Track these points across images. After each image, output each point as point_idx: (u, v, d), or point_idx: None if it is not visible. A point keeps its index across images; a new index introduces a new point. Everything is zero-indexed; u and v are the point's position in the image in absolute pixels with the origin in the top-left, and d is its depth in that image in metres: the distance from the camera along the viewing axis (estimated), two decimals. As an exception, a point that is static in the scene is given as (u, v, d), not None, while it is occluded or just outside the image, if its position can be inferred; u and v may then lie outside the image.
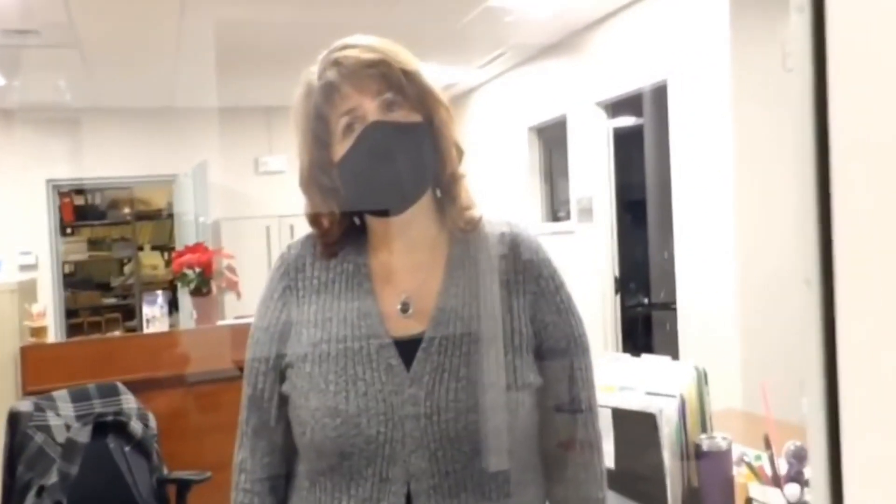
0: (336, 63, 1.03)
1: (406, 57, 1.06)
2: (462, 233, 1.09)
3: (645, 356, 1.74)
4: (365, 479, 1.00)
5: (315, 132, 1.05)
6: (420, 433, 0.99)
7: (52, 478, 2.38)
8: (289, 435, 1.07)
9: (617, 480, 1.53)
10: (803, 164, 0.43)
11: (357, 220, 1.11)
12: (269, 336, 1.08)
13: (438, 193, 1.10)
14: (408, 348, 1.03)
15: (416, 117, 1.04)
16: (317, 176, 1.06)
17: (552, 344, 1.08)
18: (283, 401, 1.06)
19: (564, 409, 1.09)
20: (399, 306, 1.06)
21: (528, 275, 1.08)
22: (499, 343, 1.04)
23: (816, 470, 0.44)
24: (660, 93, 4.13)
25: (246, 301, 3.93)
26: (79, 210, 7.97)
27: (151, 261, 8.20)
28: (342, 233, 1.09)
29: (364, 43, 1.05)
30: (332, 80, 1.03)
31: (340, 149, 1.03)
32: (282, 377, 1.07)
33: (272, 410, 1.07)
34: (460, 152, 1.10)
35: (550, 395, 1.08)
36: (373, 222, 1.09)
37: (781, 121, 3.30)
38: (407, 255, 1.09)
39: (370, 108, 1.02)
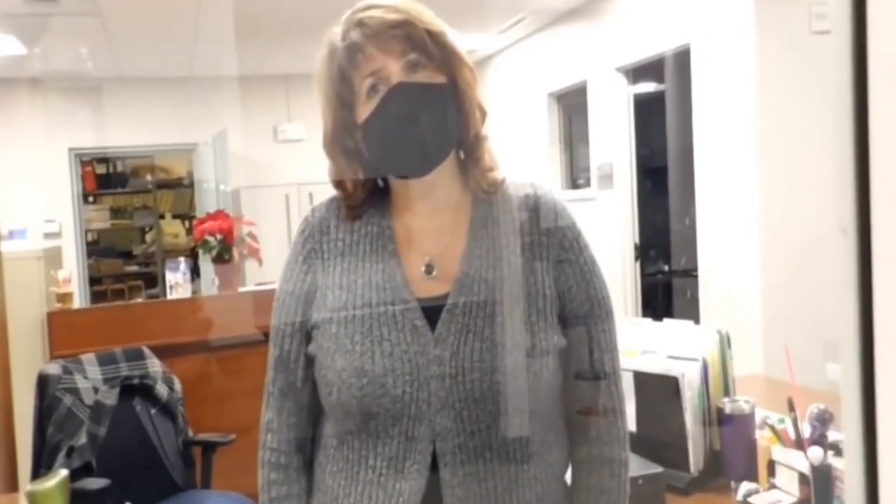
0: (360, 24, 1.03)
1: (430, 17, 1.05)
2: (485, 194, 1.09)
3: (667, 321, 1.74)
4: (391, 437, 1.01)
5: (339, 94, 1.05)
6: (445, 393, 1.00)
7: (81, 439, 2.43)
8: (315, 396, 1.08)
9: (639, 444, 1.54)
10: (841, 108, 0.42)
11: (381, 183, 1.11)
12: (294, 298, 1.09)
13: (462, 155, 1.10)
14: (432, 310, 1.03)
15: (440, 78, 1.03)
16: (341, 138, 1.06)
17: (575, 307, 1.08)
18: (310, 362, 1.08)
19: (587, 371, 1.10)
20: (423, 268, 1.06)
21: (551, 237, 1.08)
22: (522, 305, 1.04)
23: (850, 430, 0.43)
24: (682, 58, 4.06)
25: (267, 268, 3.97)
26: (101, 178, 8.03)
27: (172, 229, 8.27)
28: (366, 195, 1.09)
29: (388, 3, 1.04)
30: (356, 41, 1.02)
31: (364, 110, 1.03)
32: (308, 338, 1.08)
33: (298, 371, 1.09)
34: (483, 114, 1.09)
35: (574, 358, 1.08)
36: (396, 184, 1.09)
37: (808, 86, 3.24)
38: (431, 217, 1.09)
39: (395, 70, 1.01)
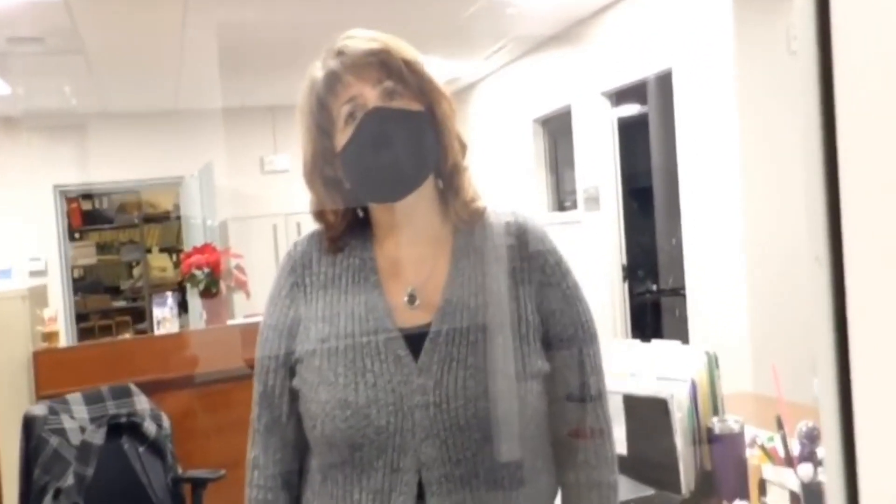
0: (338, 53, 1.05)
1: (408, 49, 1.07)
2: (466, 224, 1.09)
3: (655, 341, 1.74)
4: (376, 469, 1.00)
5: (318, 122, 1.06)
6: (430, 422, 0.99)
7: (69, 480, 2.39)
8: (300, 430, 1.07)
9: (630, 466, 1.54)
10: (810, 140, 0.43)
11: (361, 213, 1.11)
12: (277, 333, 1.09)
13: (441, 185, 1.10)
14: (415, 339, 1.03)
15: (417, 106, 1.05)
16: (320, 167, 1.07)
17: (559, 331, 1.08)
18: (294, 396, 1.07)
19: (573, 395, 1.10)
20: (406, 298, 1.07)
21: (534, 263, 1.09)
22: (506, 331, 1.04)
23: (830, 450, 0.43)
24: (664, 80, 4.11)
25: (255, 300, 3.95)
26: (87, 215, 8.00)
27: (160, 263, 8.24)
28: (347, 226, 1.10)
29: (366, 34, 1.06)
30: (334, 69, 1.04)
31: (342, 137, 1.04)
32: (292, 373, 1.08)
33: (283, 406, 1.08)
34: (463, 146, 1.10)
35: (559, 382, 1.08)
36: (377, 213, 1.10)
37: (787, 105, 3.28)
38: (412, 248, 1.09)
39: (371, 96, 1.02)
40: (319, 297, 1.08)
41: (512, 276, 1.07)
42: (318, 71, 1.06)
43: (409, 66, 1.04)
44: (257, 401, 1.11)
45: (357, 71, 1.03)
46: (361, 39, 1.05)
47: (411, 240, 1.09)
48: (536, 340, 1.06)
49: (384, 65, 1.03)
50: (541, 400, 1.05)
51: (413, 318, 1.05)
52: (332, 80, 1.04)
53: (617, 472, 1.13)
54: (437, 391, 1.00)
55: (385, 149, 1.03)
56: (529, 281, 1.08)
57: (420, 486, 1.00)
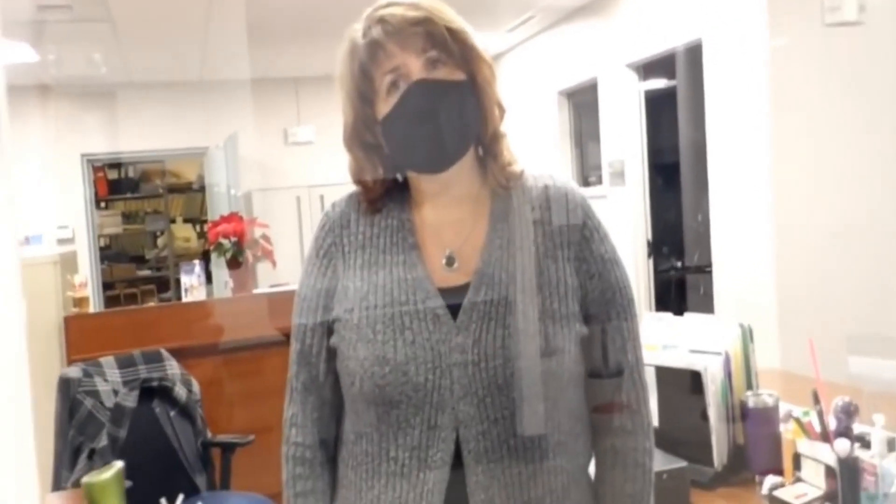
0: (381, 20, 1.04)
1: (450, 15, 1.05)
2: (504, 188, 1.09)
3: (688, 314, 1.74)
4: (413, 427, 1.01)
5: (359, 90, 1.06)
6: (468, 380, 1.00)
7: (102, 441, 2.44)
8: (338, 390, 1.08)
9: (662, 439, 1.54)
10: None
11: (400, 177, 1.12)
12: (315, 292, 1.10)
13: (480, 151, 1.10)
14: (454, 299, 1.03)
15: (459, 75, 1.04)
16: (361, 133, 1.07)
17: (597, 295, 1.08)
18: (332, 355, 1.08)
19: (610, 360, 1.10)
20: (444, 260, 1.07)
21: (573, 226, 1.08)
22: (544, 293, 1.04)
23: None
24: (694, 53, 4.05)
25: (279, 269, 3.98)
26: (112, 184, 8.07)
27: (184, 233, 8.31)
28: (385, 189, 1.10)
29: (409, 1, 1.05)
30: (377, 38, 1.03)
31: (384, 106, 1.04)
32: (329, 332, 1.08)
33: (321, 365, 1.09)
34: (502, 111, 1.10)
35: (596, 347, 1.08)
36: (415, 179, 1.10)
37: (822, 79, 3.23)
38: (450, 211, 1.09)
39: (414, 66, 1.02)
40: (357, 257, 1.08)
41: (550, 239, 1.07)
42: (359, 37, 1.05)
43: (452, 34, 1.03)
44: (295, 359, 1.11)
45: (400, 40, 1.02)
46: (404, 6, 1.04)
47: (449, 203, 1.09)
48: (574, 303, 1.05)
49: (428, 34, 1.02)
50: (578, 363, 1.05)
51: (451, 280, 1.05)
52: (375, 49, 1.03)
53: (653, 440, 1.12)
54: (476, 350, 1.00)
55: (428, 122, 1.03)
56: (568, 244, 1.07)
57: (457, 444, 1.00)
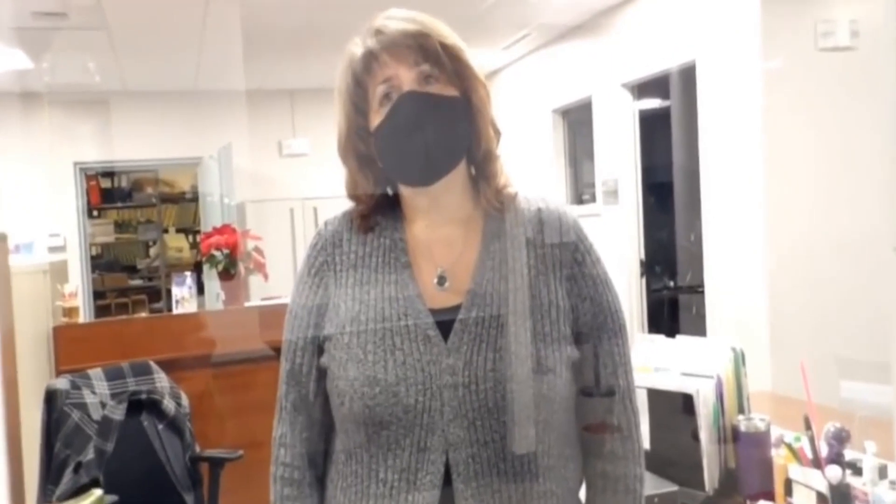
0: (377, 32, 1.05)
1: (446, 32, 1.06)
2: (497, 210, 1.09)
3: (680, 337, 1.74)
4: (403, 449, 1.00)
5: (353, 99, 1.07)
6: (458, 402, 0.99)
7: (89, 454, 2.42)
8: (327, 410, 1.08)
9: (653, 462, 1.53)
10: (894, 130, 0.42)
11: (390, 191, 1.12)
12: (306, 311, 1.09)
13: (473, 171, 1.10)
14: (445, 320, 1.03)
15: (452, 91, 1.04)
16: (354, 143, 1.08)
17: (589, 319, 1.08)
18: (322, 375, 1.08)
19: (601, 384, 1.09)
20: (435, 280, 1.07)
21: (564, 249, 1.08)
22: (536, 315, 1.04)
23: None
24: (688, 73, 4.08)
25: (271, 282, 3.97)
26: (105, 192, 8.05)
27: (176, 243, 8.28)
28: (377, 204, 1.10)
29: (405, 14, 1.06)
30: (372, 49, 1.04)
31: (376, 117, 1.05)
32: (320, 351, 1.08)
33: (311, 384, 1.08)
34: (497, 132, 1.10)
35: (587, 371, 1.08)
36: (408, 195, 1.10)
37: (815, 102, 3.25)
38: (442, 230, 1.09)
39: (407, 79, 1.03)
40: (349, 276, 1.08)
41: (542, 261, 1.07)
42: (356, 48, 1.06)
43: (447, 50, 1.04)
44: (284, 378, 1.11)
45: (394, 52, 1.03)
46: (400, 20, 1.05)
47: (442, 222, 1.09)
48: (566, 327, 1.05)
49: (422, 48, 1.03)
50: (569, 387, 1.05)
51: (443, 300, 1.05)
52: (369, 59, 1.04)
53: (643, 465, 1.12)
54: (467, 372, 1.00)
55: (417, 134, 1.03)
56: (560, 267, 1.07)
57: (447, 466, 1.00)
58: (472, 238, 1.08)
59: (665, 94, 4.75)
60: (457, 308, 1.04)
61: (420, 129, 1.03)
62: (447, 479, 1.00)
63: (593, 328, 1.08)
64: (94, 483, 2.32)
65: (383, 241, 1.09)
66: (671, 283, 4.89)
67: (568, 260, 1.08)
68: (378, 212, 1.10)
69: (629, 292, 4.57)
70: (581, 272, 1.08)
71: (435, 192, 1.06)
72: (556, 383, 1.03)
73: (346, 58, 1.08)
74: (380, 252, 1.09)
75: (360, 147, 1.07)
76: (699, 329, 3.96)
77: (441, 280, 1.06)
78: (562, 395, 1.04)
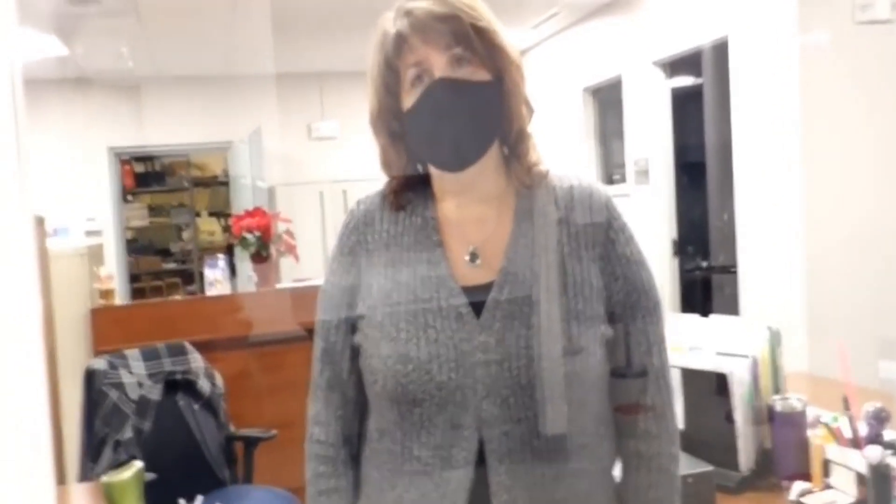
0: (408, 13, 1.03)
1: (479, 13, 1.04)
2: (529, 187, 1.08)
3: (714, 316, 1.72)
4: (436, 426, 1.01)
5: (385, 80, 1.06)
6: (491, 380, 0.99)
7: (127, 433, 2.47)
8: (361, 388, 1.08)
9: (687, 442, 1.52)
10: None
11: (421, 168, 1.11)
12: (339, 290, 1.10)
13: (506, 150, 1.09)
14: (477, 297, 1.03)
15: (484, 75, 1.03)
16: (386, 120, 1.08)
17: (622, 298, 1.06)
18: (355, 353, 1.08)
19: (635, 363, 1.08)
20: (467, 257, 1.06)
21: (597, 227, 1.07)
22: (568, 293, 1.03)
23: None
24: (720, 50, 4.00)
25: (302, 265, 4.00)
26: (139, 177, 8.15)
27: (208, 227, 8.37)
28: (409, 181, 1.10)
29: None
30: (402, 31, 1.03)
31: (408, 99, 1.04)
32: (353, 329, 1.08)
33: (344, 363, 1.09)
34: (530, 111, 1.09)
35: (621, 349, 1.07)
36: (438, 176, 1.10)
37: (852, 76, 3.17)
38: (474, 207, 1.09)
39: (438, 63, 1.01)
40: (382, 254, 1.08)
41: (575, 239, 1.06)
42: (388, 26, 1.05)
43: (479, 32, 1.02)
44: (319, 357, 1.11)
45: (424, 35, 1.02)
46: (431, 1, 1.03)
47: (473, 200, 1.09)
48: (599, 304, 1.04)
49: (453, 32, 1.01)
50: (603, 365, 1.04)
51: (475, 277, 1.05)
52: (400, 42, 1.03)
53: (678, 444, 1.11)
54: (500, 349, 1.00)
55: (448, 121, 1.02)
56: (593, 245, 1.06)
57: (480, 443, 1.00)
58: (504, 216, 1.08)
59: (697, 72, 4.67)
60: (489, 286, 1.04)
61: (451, 116, 1.02)
62: (481, 457, 1.00)
63: (627, 307, 1.07)
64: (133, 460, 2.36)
65: (415, 220, 1.09)
66: (704, 264, 4.83)
67: (601, 238, 1.07)
68: (410, 189, 1.10)
69: (662, 272, 4.52)
70: (614, 250, 1.07)
71: (466, 174, 1.06)
72: (589, 361, 1.02)
73: (379, 34, 1.07)
74: (411, 231, 1.09)
75: (392, 124, 1.07)
76: (732, 309, 3.91)
77: (473, 257, 1.06)
78: (595, 373, 1.03)
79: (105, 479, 1.76)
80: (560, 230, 1.06)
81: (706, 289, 4.79)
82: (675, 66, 4.62)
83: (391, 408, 1.03)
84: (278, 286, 3.87)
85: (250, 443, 2.78)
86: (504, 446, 1.00)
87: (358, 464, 1.11)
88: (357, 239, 1.11)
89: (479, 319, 1.02)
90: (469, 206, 1.09)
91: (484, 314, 1.02)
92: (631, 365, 1.08)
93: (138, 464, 1.79)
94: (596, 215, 1.08)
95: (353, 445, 1.11)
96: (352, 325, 1.08)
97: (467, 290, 1.04)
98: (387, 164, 1.10)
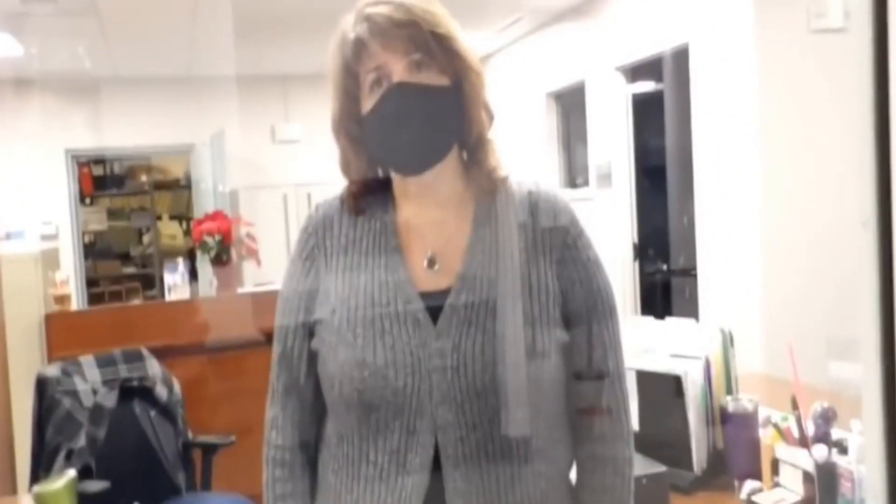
0: (367, 18, 1.04)
1: (438, 19, 1.04)
2: (488, 193, 1.08)
3: (669, 319, 1.74)
4: (392, 431, 1.01)
5: (345, 83, 1.06)
6: (447, 386, 1.00)
7: (81, 441, 2.42)
8: (318, 393, 1.08)
9: (642, 443, 1.53)
10: (861, 102, 0.41)
11: (381, 173, 1.11)
12: (297, 295, 1.10)
13: (465, 156, 1.10)
14: (434, 303, 1.03)
15: (443, 80, 1.03)
16: (347, 123, 1.08)
17: (579, 303, 1.07)
18: (313, 358, 1.08)
19: (591, 368, 1.09)
20: (425, 262, 1.07)
21: (555, 233, 1.08)
22: (525, 298, 1.04)
23: (871, 427, 0.42)
24: (681, 56, 4.06)
25: (265, 269, 3.96)
26: (97, 180, 8.00)
27: (170, 230, 8.25)
28: (368, 186, 1.10)
29: (398, 1, 1.03)
30: (361, 37, 1.03)
31: (367, 103, 1.04)
32: (311, 334, 1.08)
33: (302, 367, 1.09)
34: (490, 116, 1.10)
35: (577, 355, 1.08)
36: (398, 180, 1.10)
37: (808, 81, 3.24)
38: (433, 213, 1.09)
39: (397, 68, 1.02)
40: (340, 259, 1.08)
41: (533, 244, 1.07)
42: (348, 30, 1.05)
43: (438, 38, 1.03)
44: (276, 361, 1.11)
45: (383, 40, 1.02)
46: (392, 6, 1.03)
47: (432, 205, 1.09)
48: (556, 309, 1.05)
49: (411, 38, 1.02)
50: (559, 370, 1.05)
51: (433, 282, 1.05)
52: (359, 47, 1.03)
53: (632, 448, 1.12)
54: (455, 355, 1.00)
55: (406, 125, 1.03)
56: (550, 251, 1.07)
57: (436, 449, 1.00)
58: (463, 221, 1.08)
59: (658, 78, 4.73)
60: (447, 291, 1.04)
61: (409, 120, 1.03)
62: (437, 462, 1.00)
63: (583, 311, 1.08)
64: (86, 469, 2.32)
65: (374, 224, 1.09)
66: (664, 266, 4.89)
67: (559, 243, 1.08)
68: (369, 193, 1.10)
69: (623, 275, 4.57)
70: (572, 255, 1.08)
71: (425, 178, 1.06)
72: (545, 367, 1.02)
73: (338, 37, 1.07)
74: (370, 235, 1.09)
75: (352, 127, 1.07)
76: (692, 312, 3.96)
77: (431, 262, 1.06)
78: (551, 377, 1.04)
79: (37, 489, 1.72)
80: (519, 235, 1.07)
81: (666, 291, 4.85)
82: (636, 72, 4.67)
83: (348, 413, 1.03)
84: (240, 290, 3.83)
85: (209, 449, 2.74)
86: (459, 452, 1.00)
87: (315, 468, 1.11)
88: (315, 243, 1.10)
89: (435, 325, 1.02)
90: (428, 211, 1.09)
91: (441, 320, 1.02)
92: (587, 368, 1.09)
93: (71, 472, 1.75)
94: (554, 220, 1.09)
95: (310, 450, 1.11)
96: (309, 330, 1.08)
97: (425, 296, 1.04)
98: (347, 168, 1.10)
